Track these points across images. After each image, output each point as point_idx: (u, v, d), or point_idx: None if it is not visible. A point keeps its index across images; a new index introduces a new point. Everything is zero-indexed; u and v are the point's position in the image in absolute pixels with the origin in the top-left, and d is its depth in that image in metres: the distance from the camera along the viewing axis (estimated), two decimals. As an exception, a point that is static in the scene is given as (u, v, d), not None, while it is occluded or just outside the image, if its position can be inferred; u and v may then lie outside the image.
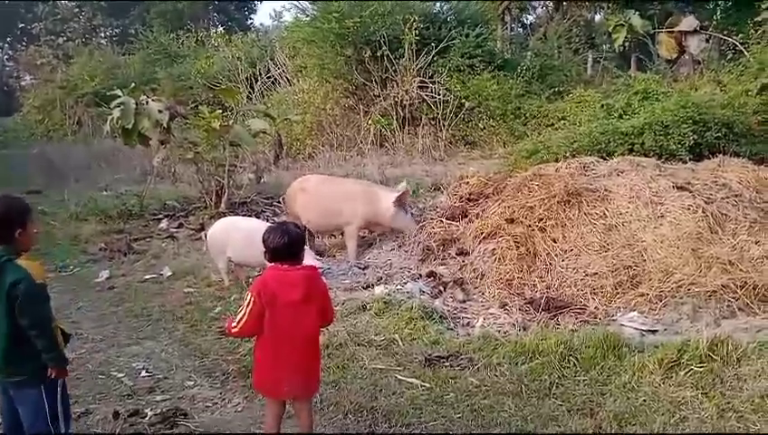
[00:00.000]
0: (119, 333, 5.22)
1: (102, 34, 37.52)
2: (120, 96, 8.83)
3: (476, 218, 6.74)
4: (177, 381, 4.29)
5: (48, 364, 2.79)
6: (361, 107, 14.02)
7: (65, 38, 29.65)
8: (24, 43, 35.56)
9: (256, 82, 16.24)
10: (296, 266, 3.06)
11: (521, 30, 26.90)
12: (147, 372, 4.44)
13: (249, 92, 15.95)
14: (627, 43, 20.20)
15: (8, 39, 41.24)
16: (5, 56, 42.27)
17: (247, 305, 3.00)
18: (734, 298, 4.98)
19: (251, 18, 42.19)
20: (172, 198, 9.87)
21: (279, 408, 3.18)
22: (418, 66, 13.63)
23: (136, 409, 3.85)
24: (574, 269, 5.62)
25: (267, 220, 7.74)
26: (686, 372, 3.96)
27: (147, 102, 8.74)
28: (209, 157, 9.23)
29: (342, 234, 7.23)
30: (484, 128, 13.33)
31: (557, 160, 8.29)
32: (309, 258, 5.85)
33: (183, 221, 8.99)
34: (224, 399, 4.02)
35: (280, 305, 2.98)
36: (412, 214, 7.30)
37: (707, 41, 17.38)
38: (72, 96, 19.90)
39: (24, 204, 2.92)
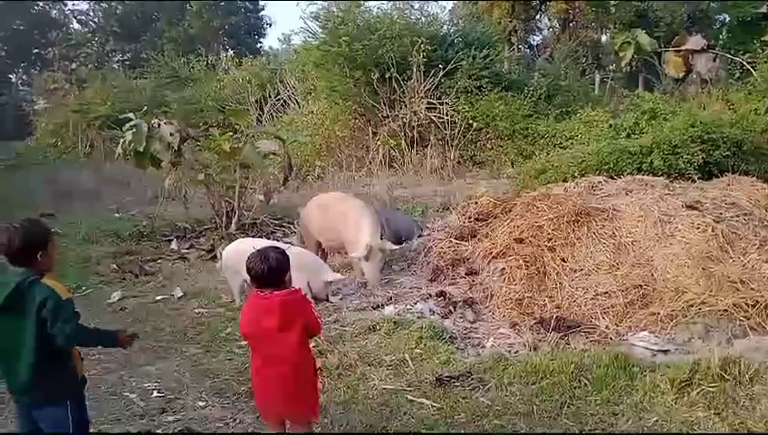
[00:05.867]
0: (130, 353, 5.21)
1: (115, 59, 38.10)
2: (132, 119, 8.95)
3: (485, 238, 6.76)
4: (188, 401, 4.31)
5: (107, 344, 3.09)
6: (370, 128, 14.14)
7: (78, 63, 30.12)
8: (37, 68, 36.15)
9: (266, 104, 16.44)
10: (275, 293, 3.03)
11: (528, 51, 27.13)
12: (158, 392, 4.45)
13: (259, 115, 16.14)
14: (634, 63, 20.30)
15: (22, 64, 41.99)
16: (19, 81, 42.98)
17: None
18: (745, 317, 4.95)
19: (260, 42, 42.81)
20: (183, 220, 9.94)
21: (277, 428, 3.20)
22: (426, 88, 13.76)
23: (148, 429, 3.87)
24: (584, 289, 5.60)
25: (278, 241, 7.79)
26: (699, 392, 3.93)
27: (159, 125, 8.86)
28: (220, 179, 9.31)
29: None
30: (493, 148, 13.40)
31: (565, 180, 8.32)
32: (328, 274, 5.96)
33: (194, 242, 9.06)
34: (235, 419, 4.03)
35: (257, 333, 3.05)
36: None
37: (714, 60, 17.44)
38: (84, 120, 20.17)
39: (44, 227, 3.00)
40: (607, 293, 5.47)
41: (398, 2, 16.32)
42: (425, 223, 8.70)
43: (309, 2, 15.12)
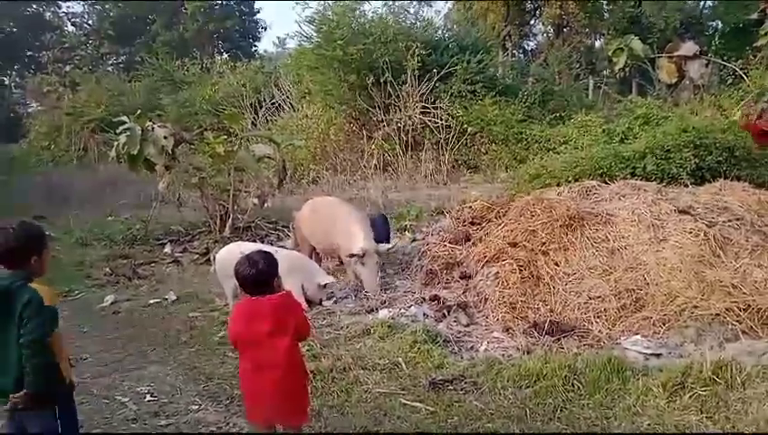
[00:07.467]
0: (123, 357, 5.23)
1: (109, 62, 38.04)
2: (126, 122, 8.93)
3: (479, 242, 6.77)
4: (181, 405, 4.30)
5: (26, 388, 2.73)
6: (365, 132, 14.16)
7: (72, 66, 30.01)
8: (31, 71, 36.02)
9: (261, 107, 16.44)
10: (267, 296, 3.02)
11: (522, 56, 27.25)
12: (151, 396, 4.44)
13: (253, 118, 16.14)
14: (627, 69, 20.38)
15: (16, 67, 41.84)
16: (13, 83, 42.81)
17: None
18: (737, 321, 4.97)
19: (255, 45, 42.80)
20: (177, 223, 9.93)
21: (265, 432, 3.20)
22: (421, 92, 13.80)
23: (140, 434, 3.85)
24: (577, 293, 5.62)
25: (271, 244, 7.78)
26: (691, 396, 3.94)
27: (152, 129, 8.84)
28: (214, 182, 9.31)
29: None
30: (487, 152, 13.43)
31: (559, 185, 8.33)
32: (322, 277, 5.96)
33: (187, 246, 9.05)
34: (228, 423, 4.02)
35: (248, 338, 3.03)
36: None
37: (707, 66, 17.54)
38: (78, 123, 20.11)
39: (40, 230, 2.98)
40: (600, 297, 5.49)
41: (393, 1, 16.39)
42: (419, 227, 8.71)
43: (304, 5, 15.02)
